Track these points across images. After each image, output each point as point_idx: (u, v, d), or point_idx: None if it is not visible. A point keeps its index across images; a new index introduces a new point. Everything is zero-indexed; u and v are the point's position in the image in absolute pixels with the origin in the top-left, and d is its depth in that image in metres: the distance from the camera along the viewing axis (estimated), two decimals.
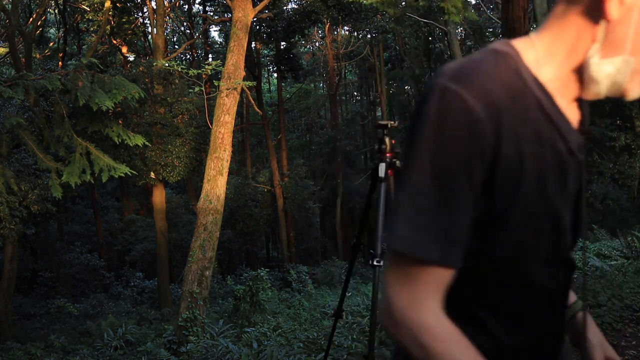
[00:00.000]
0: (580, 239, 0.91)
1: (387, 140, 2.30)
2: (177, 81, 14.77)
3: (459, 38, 19.22)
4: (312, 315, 8.79)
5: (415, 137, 0.79)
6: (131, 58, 23.70)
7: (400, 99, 28.69)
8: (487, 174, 0.78)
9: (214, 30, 33.31)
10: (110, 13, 17.00)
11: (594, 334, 1.03)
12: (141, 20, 21.10)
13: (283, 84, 28.88)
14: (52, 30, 28.89)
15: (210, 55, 26.93)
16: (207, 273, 9.23)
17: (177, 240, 20.50)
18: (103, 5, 16.83)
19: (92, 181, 10.68)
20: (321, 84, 35.99)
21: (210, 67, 11.27)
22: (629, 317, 4.45)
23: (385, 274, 0.85)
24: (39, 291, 19.65)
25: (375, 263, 2.12)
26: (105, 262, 21.63)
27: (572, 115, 0.87)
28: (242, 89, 10.43)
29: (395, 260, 0.81)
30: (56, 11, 24.19)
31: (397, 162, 2.39)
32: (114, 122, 11.34)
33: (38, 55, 22.11)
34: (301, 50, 29.67)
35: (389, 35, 26.00)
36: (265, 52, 29.30)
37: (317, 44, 29.65)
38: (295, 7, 21.23)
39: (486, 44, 0.89)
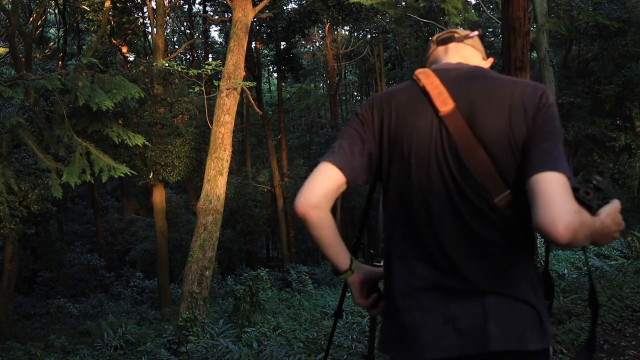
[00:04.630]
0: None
1: None
2: (177, 81, 14.76)
3: None
4: (312, 315, 8.78)
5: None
6: (131, 58, 23.70)
7: None
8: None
9: (214, 30, 33.33)
10: (110, 13, 17.00)
11: None
12: (141, 20, 21.10)
13: (283, 84, 28.87)
14: (52, 30, 28.88)
15: (210, 55, 26.92)
16: (207, 273, 9.22)
17: (177, 240, 20.48)
18: (103, 5, 16.83)
19: (92, 181, 10.66)
20: (321, 84, 35.97)
21: (210, 67, 11.26)
22: (629, 317, 4.45)
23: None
24: (39, 291, 19.65)
25: (375, 263, 2.12)
26: (105, 262, 21.62)
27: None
28: (242, 89, 10.42)
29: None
30: (56, 11, 24.19)
31: None
32: (114, 122, 11.32)
33: (38, 55, 22.10)
34: (301, 50, 29.65)
35: (389, 35, 25.98)
36: (265, 52, 29.28)
37: (317, 44, 29.64)
38: (295, 7, 21.23)
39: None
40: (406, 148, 1.27)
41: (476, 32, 1.49)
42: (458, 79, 1.29)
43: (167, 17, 21.98)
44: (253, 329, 7.42)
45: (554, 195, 1.07)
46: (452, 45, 1.45)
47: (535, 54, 17.27)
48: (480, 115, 1.22)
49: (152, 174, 14.61)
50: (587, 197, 1.16)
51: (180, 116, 14.99)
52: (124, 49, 21.90)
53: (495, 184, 1.20)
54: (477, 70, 1.33)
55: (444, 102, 1.24)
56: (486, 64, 1.47)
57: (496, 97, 1.23)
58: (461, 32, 1.48)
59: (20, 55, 15.71)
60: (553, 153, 1.14)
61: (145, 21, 21.51)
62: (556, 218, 1.03)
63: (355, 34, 27.29)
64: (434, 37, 1.50)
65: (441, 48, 1.46)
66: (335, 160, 1.29)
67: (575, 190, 1.11)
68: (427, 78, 1.30)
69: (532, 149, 1.17)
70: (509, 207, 1.21)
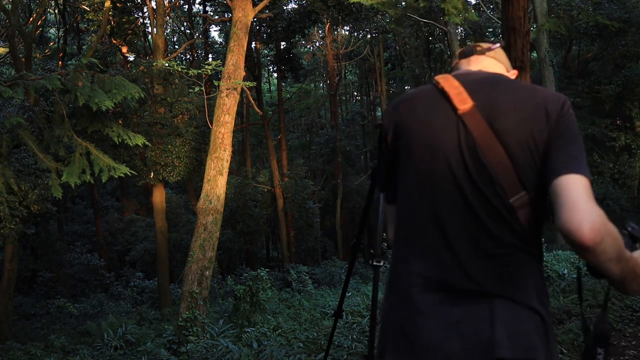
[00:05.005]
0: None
1: None
2: (177, 81, 14.75)
3: (459, 38, 19.21)
4: (312, 315, 8.77)
5: None
6: (131, 58, 23.70)
7: None
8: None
9: (214, 30, 33.34)
10: (110, 13, 16.99)
11: None
12: (141, 20, 21.09)
13: (283, 84, 28.88)
14: (52, 30, 28.88)
15: (210, 55, 26.92)
16: (207, 273, 9.22)
17: (177, 240, 20.48)
18: (103, 5, 16.83)
19: (92, 181, 10.66)
20: (321, 84, 35.98)
21: (210, 67, 11.26)
22: (629, 317, 4.45)
23: None
24: (39, 291, 19.64)
25: (375, 263, 2.12)
26: (105, 262, 21.61)
27: None
28: (242, 89, 10.42)
29: None
30: (56, 11, 24.19)
31: None
32: (114, 122, 11.32)
33: (38, 55, 22.10)
34: (301, 50, 29.65)
35: (389, 35, 25.99)
36: (265, 52, 29.28)
37: (317, 44, 29.64)
38: (295, 7, 21.23)
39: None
40: (422, 146, 1.28)
41: (498, 45, 1.53)
42: (478, 81, 1.32)
43: (167, 17, 21.98)
44: (253, 329, 7.42)
45: (580, 197, 1.05)
46: (473, 58, 1.50)
47: (535, 54, 17.27)
48: (500, 116, 1.22)
49: (152, 173, 14.60)
50: None
51: (180, 116, 14.98)
52: (124, 49, 21.90)
53: (511, 184, 1.19)
54: (498, 75, 1.36)
55: (463, 101, 1.26)
56: (511, 75, 1.48)
57: (518, 99, 1.24)
58: (484, 45, 1.53)
59: (20, 55, 15.70)
60: (578, 157, 1.14)
61: (145, 21, 21.51)
62: (582, 219, 1.00)
63: (355, 34, 27.29)
64: (458, 52, 1.58)
65: (463, 60, 1.52)
66: (387, 199, 1.49)
67: None
68: (446, 81, 1.33)
69: (556, 152, 1.16)
70: (523, 209, 1.19)
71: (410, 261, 1.27)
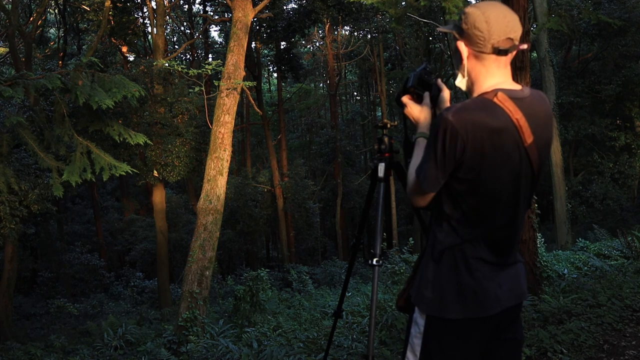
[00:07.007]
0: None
1: (386, 140, 2.28)
2: (177, 81, 14.76)
3: None
4: (312, 315, 8.76)
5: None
6: (131, 58, 23.70)
7: None
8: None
9: (214, 30, 33.34)
10: (110, 13, 16.99)
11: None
12: (141, 20, 21.10)
13: (283, 84, 28.88)
14: (52, 30, 28.88)
15: (210, 55, 26.93)
16: (207, 273, 9.22)
17: (177, 240, 20.49)
18: (103, 5, 16.83)
19: (94, 179, 10.65)
20: (321, 84, 35.98)
21: (210, 67, 11.24)
22: (629, 317, 4.45)
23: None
24: (39, 291, 19.65)
25: (374, 263, 2.12)
26: (105, 262, 21.61)
27: None
28: (242, 89, 10.42)
29: None
30: (56, 11, 24.19)
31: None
32: (115, 120, 11.31)
33: (38, 55, 22.11)
34: (301, 50, 29.65)
35: (389, 35, 25.97)
36: (265, 52, 29.28)
37: (317, 44, 29.63)
38: (295, 7, 21.22)
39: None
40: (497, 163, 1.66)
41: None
42: (536, 116, 1.64)
43: (167, 17, 21.98)
44: (253, 329, 7.42)
45: None
46: (507, 59, 1.70)
47: (535, 54, 17.27)
48: (547, 150, 1.71)
49: (154, 172, 14.59)
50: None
51: (180, 116, 14.98)
52: (124, 49, 21.91)
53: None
54: (546, 107, 1.71)
55: (529, 136, 1.61)
56: None
57: (548, 121, 1.69)
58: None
59: (21, 55, 15.72)
60: None
61: (145, 21, 21.52)
62: None
63: (355, 34, 27.28)
64: (493, 43, 1.74)
65: (500, 59, 1.70)
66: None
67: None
68: (516, 113, 1.59)
69: None
70: None
71: (477, 245, 1.75)
